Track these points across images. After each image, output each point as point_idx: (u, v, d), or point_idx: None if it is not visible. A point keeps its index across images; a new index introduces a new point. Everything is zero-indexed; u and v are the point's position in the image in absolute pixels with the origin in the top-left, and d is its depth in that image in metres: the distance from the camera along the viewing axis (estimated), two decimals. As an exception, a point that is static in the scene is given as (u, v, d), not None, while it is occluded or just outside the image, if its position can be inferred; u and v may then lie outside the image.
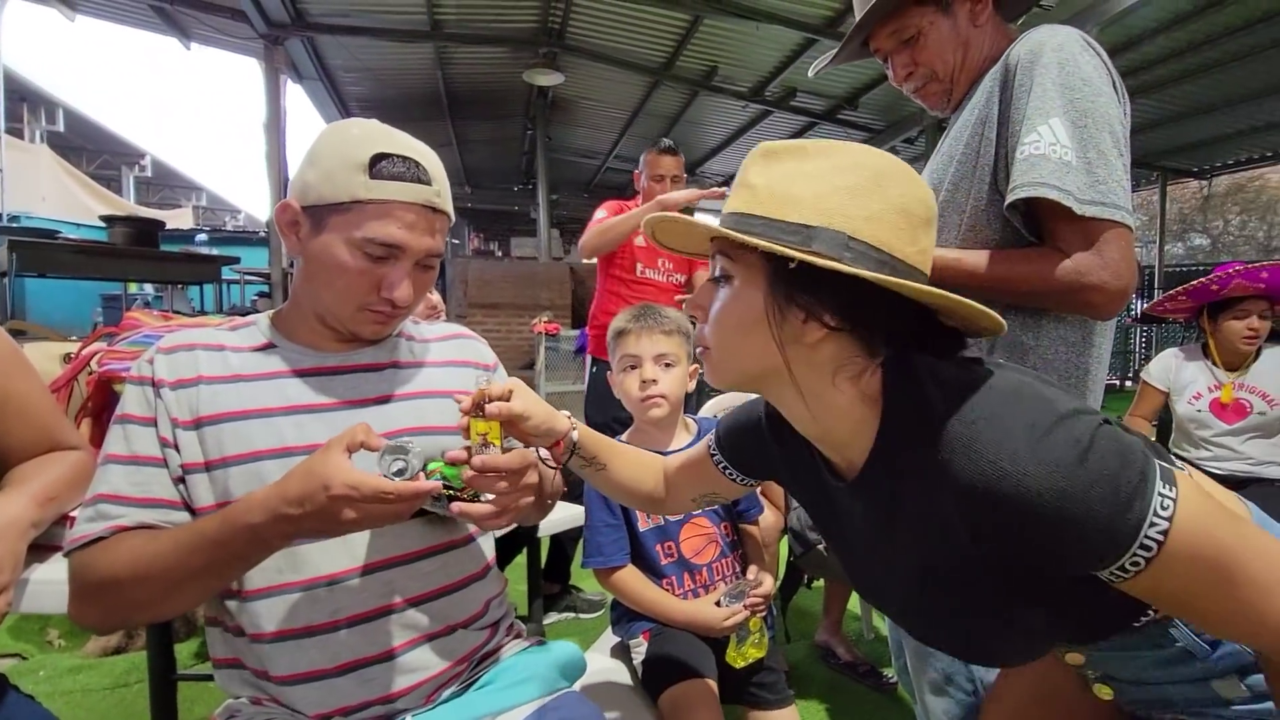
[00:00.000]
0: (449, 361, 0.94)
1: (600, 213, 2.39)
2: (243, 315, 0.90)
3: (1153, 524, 0.47)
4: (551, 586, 2.33)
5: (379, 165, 0.76)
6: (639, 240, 2.40)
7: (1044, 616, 0.58)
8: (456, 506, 0.70)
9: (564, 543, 2.29)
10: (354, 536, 0.77)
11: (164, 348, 0.80)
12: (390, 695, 0.76)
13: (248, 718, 0.76)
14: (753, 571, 1.23)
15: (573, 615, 2.34)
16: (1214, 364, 2.18)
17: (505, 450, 0.72)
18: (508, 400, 0.72)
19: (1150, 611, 0.59)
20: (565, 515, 1.91)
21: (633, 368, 1.24)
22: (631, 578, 1.19)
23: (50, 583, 0.85)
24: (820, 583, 2.13)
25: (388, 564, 0.79)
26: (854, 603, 2.16)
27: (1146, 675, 0.67)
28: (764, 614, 1.18)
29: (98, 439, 1.40)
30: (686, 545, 1.22)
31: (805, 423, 0.64)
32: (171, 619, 0.90)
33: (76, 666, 1.97)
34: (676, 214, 0.67)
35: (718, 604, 1.15)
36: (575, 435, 0.82)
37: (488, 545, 0.93)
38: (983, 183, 0.91)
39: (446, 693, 0.81)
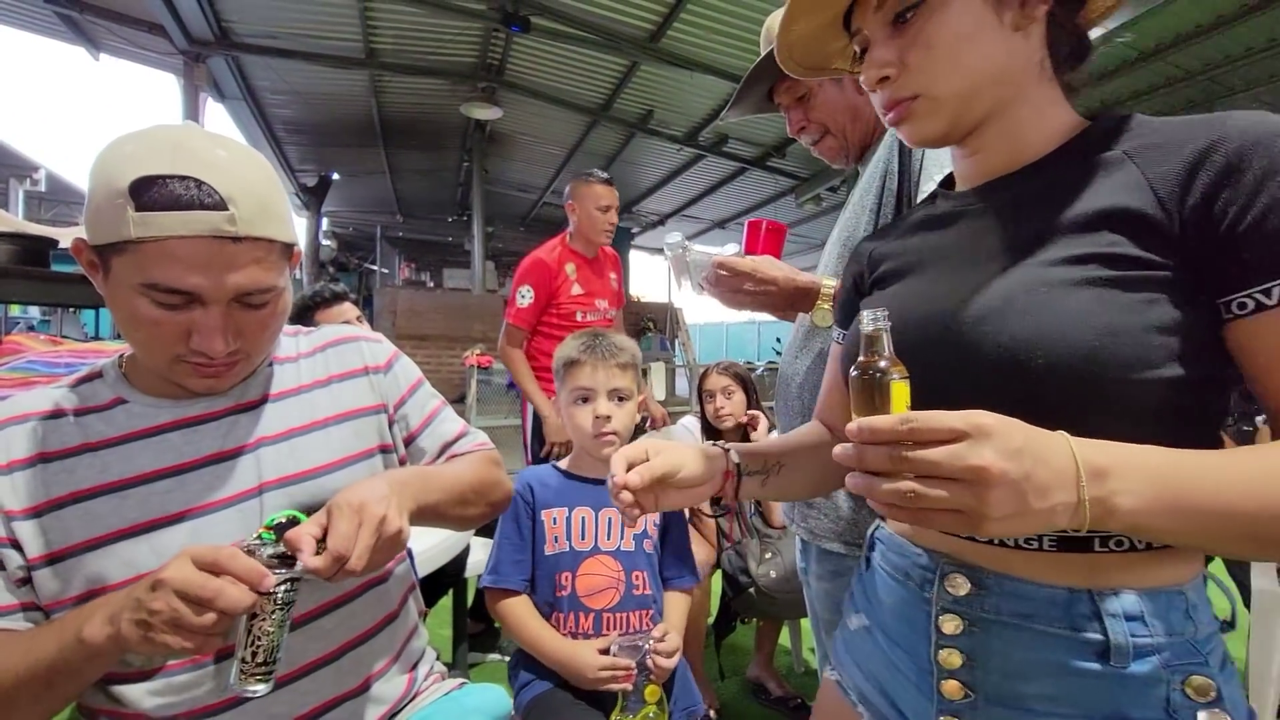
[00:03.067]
0: (330, 377, 0.82)
1: (525, 292, 2.34)
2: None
3: None
4: (477, 625, 2.23)
5: (147, 193, 0.60)
6: (575, 289, 2.39)
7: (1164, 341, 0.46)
8: (308, 562, 0.61)
9: (492, 583, 2.21)
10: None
11: None
12: None
13: None
14: (660, 629, 1.08)
15: (499, 657, 2.24)
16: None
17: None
18: (648, 463, 0.59)
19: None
20: (494, 553, 1.84)
21: (585, 400, 1.16)
22: (520, 605, 1.11)
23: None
24: (752, 620, 2.13)
25: None
26: (784, 637, 2.17)
27: (1037, 684, 0.50)
28: (661, 680, 1.04)
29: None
30: (582, 582, 1.11)
31: (997, 131, 0.58)
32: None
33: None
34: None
35: (605, 651, 1.03)
36: (735, 457, 0.67)
37: (402, 578, 0.85)
38: None
39: None
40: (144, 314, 0.63)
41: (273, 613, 0.58)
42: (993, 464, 0.39)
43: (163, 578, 0.55)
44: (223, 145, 0.66)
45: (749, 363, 7.45)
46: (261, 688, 0.59)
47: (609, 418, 1.14)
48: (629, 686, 1.01)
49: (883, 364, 0.46)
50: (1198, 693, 0.47)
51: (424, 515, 0.75)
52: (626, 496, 0.58)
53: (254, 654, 0.58)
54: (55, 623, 0.63)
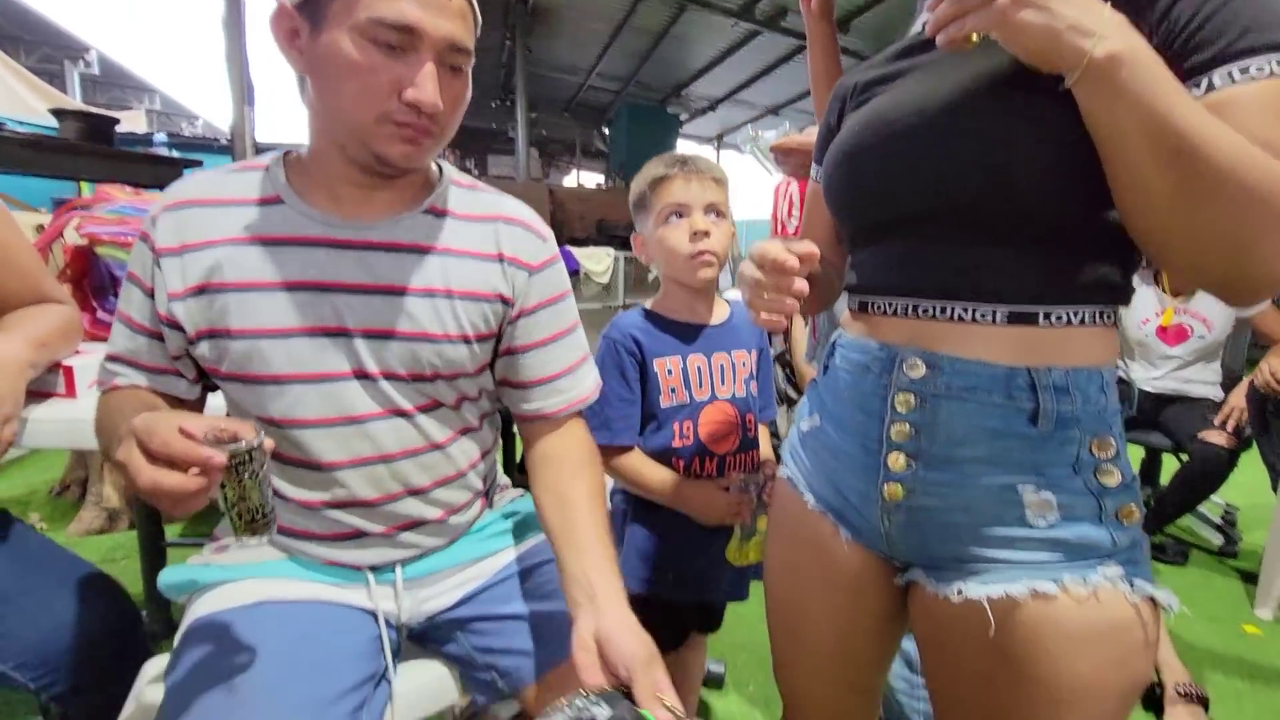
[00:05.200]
0: (485, 254, 0.79)
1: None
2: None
3: None
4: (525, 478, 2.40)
5: None
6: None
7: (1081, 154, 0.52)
8: None
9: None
10: (347, 435, 0.74)
11: (170, 203, 0.72)
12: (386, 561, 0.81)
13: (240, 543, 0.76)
14: (770, 466, 1.09)
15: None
16: (1162, 289, 2.29)
17: None
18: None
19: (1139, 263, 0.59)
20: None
21: (679, 215, 1.03)
22: (634, 457, 1.07)
23: (47, 421, 0.90)
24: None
25: (384, 459, 0.77)
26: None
27: (971, 447, 0.59)
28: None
29: (78, 302, 1.40)
30: (705, 429, 1.08)
31: None
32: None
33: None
34: None
35: (727, 490, 1.05)
36: None
37: (491, 428, 0.92)
38: None
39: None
40: (359, 61, 0.64)
41: (237, 480, 0.56)
42: None
43: (121, 460, 0.54)
44: None
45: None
46: (254, 540, 0.59)
47: (707, 233, 1.01)
48: (747, 520, 1.05)
49: None
50: (1101, 449, 0.57)
51: None
52: (800, 286, 0.58)
53: (238, 514, 0.58)
54: (120, 419, 0.62)
